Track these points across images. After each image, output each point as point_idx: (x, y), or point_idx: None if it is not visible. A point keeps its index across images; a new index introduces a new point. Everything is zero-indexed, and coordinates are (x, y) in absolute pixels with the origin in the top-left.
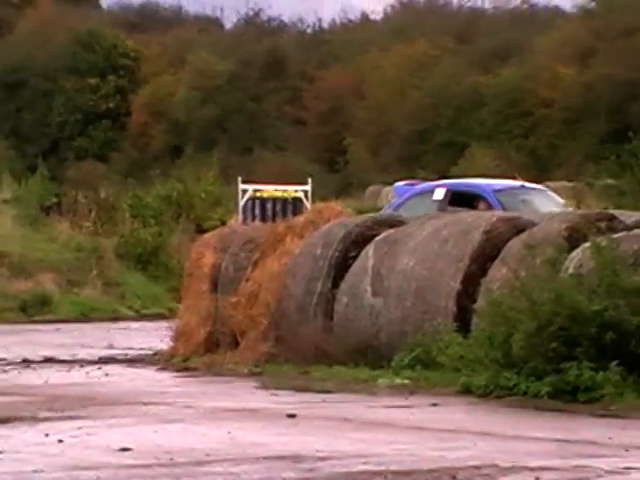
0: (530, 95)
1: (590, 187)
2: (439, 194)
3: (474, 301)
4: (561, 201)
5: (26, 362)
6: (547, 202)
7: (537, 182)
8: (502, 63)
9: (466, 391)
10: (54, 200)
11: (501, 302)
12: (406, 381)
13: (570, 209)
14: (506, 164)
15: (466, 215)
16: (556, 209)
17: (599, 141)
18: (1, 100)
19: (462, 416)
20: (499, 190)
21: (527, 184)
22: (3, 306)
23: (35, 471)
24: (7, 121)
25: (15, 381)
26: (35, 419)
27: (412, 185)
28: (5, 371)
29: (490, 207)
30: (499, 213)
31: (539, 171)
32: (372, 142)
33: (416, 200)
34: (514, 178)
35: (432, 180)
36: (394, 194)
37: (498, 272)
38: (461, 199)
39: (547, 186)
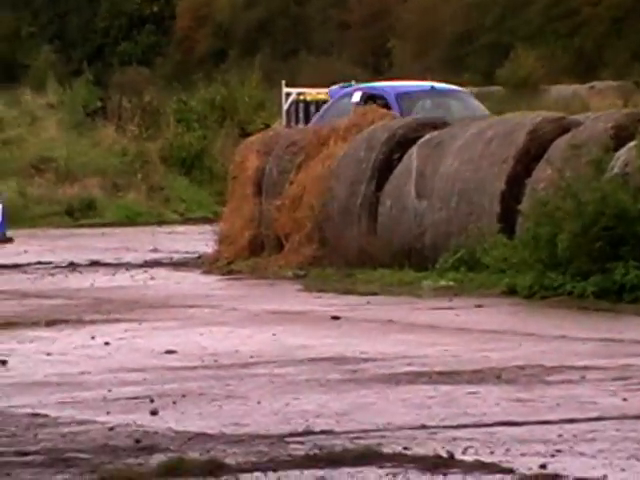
0: None
1: (637, 86)
2: (357, 97)
3: (519, 202)
4: (480, 105)
5: (72, 265)
6: (461, 106)
7: (583, 82)
8: None
9: (510, 292)
10: (99, 105)
11: (546, 202)
12: (450, 283)
13: (487, 113)
14: (551, 64)
15: (511, 115)
16: (470, 114)
17: None
18: (46, 5)
19: (506, 317)
20: (401, 93)
21: (438, 86)
22: (49, 210)
23: (82, 373)
24: (52, 26)
25: (62, 284)
26: (81, 322)
27: (344, 88)
28: (52, 274)
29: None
30: (544, 113)
31: (585, 71)
32: (416, 44)
33: (341, 103)
34: (424, 79)
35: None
36: (330, 97)
37: (543, 172)
38: (373, 102)
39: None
